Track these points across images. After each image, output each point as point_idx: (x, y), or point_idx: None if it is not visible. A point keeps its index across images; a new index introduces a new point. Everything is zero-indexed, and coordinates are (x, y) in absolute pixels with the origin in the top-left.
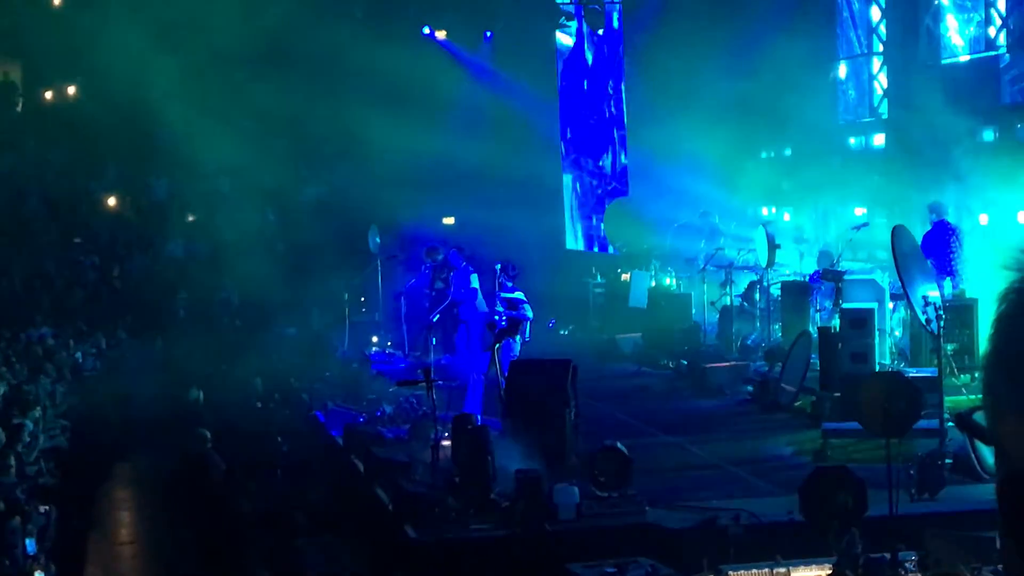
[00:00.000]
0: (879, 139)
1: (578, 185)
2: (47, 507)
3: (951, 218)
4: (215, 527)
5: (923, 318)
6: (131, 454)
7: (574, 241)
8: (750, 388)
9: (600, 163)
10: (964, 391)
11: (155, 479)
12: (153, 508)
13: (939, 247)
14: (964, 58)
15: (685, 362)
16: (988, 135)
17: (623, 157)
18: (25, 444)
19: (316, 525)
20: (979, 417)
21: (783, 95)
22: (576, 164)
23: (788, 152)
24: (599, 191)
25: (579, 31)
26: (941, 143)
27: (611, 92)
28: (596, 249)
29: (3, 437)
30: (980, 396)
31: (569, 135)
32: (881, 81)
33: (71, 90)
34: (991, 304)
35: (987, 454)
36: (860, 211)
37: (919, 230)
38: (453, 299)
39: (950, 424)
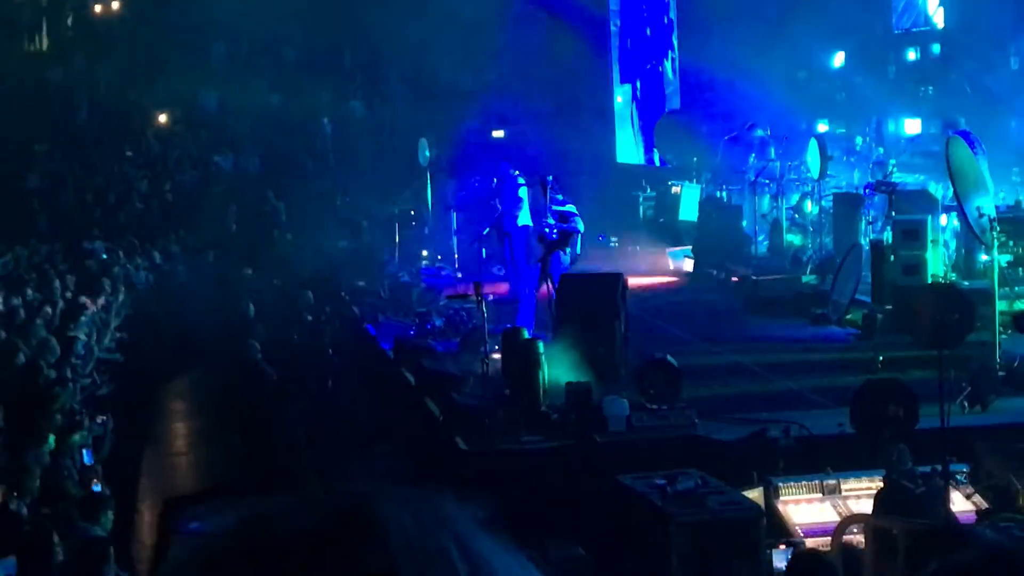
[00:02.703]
0: (934, 49)
1: (638, 96)
2: (104, 417)
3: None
4: (267, 438)
5: (977, 230)
6: (184, 366)
7: (634, 153)
8: (800, 301)
9: (660, 68)
10: (1018, 303)
11: (208, 391)
12: (207, 419)
13: None
14: None
15: (735, 276)
16: None
17: (678, 65)
18: (79, 357)
19: (366, 436)
20: None
21: (837, 4)
22: (636, 74)
23: (841, 63)
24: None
25: None
26: (997, 53)
27: (670, 2)
28: (657, 163)
29: (58, 350)
30: None
31: (629, 45)
32: None
33: (121, 4)
34: None
35: None
36: (913, 122)
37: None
38: (500, 211)
39: (1004, 337)
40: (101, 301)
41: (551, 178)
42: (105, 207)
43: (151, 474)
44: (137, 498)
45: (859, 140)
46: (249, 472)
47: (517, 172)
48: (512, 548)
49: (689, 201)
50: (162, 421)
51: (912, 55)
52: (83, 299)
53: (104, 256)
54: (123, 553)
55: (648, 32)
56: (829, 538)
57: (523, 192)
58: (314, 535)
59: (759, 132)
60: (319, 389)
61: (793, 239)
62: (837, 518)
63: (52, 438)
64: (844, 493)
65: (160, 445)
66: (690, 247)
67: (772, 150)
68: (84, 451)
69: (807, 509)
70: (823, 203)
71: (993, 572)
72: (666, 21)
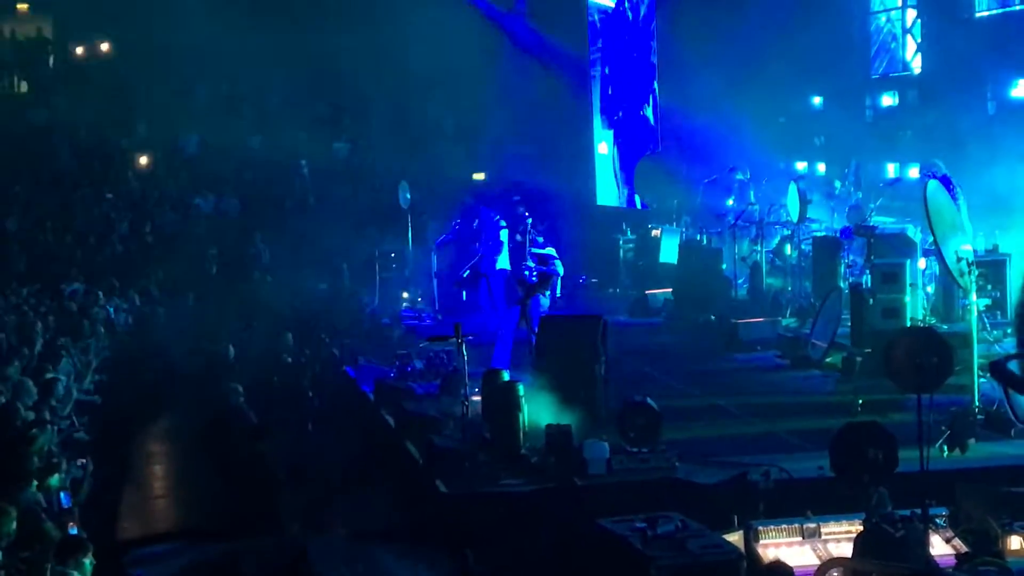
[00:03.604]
0: (911, 94)
1: (620, 141)
2: (83, 460)
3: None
4: (247, 481)
5: (955, 273)
6: (164, 408)
7: (616, 198)
8: (780, 344)
9: (642, 112)
10: (997, 347)
11: (188, 433)
12: (186, 462)
13: None
14: (984, 13)
15: (714, 318)
16: (1021, 89)
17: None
18: (59, 399)
19: (347, 479)
20: (1014, 366)
21: (815, 49)
22: (617, 119)
23: (820, 107)
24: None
25: None
26: (974, 97)
27: (653, 45)
28: (638, 205)
29: (35, 392)
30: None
31: (611, 92)
32: (915, 34)
33: (102, 46)
34: None
35: (1022, 403)
36: (892, 166)
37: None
38: (480, 253)
39: (982, 380)
40: (80, 343)
41: (531, 221)
42: (85, 248)
43: (130, 517)
44: (115, 542)
45: (837, 184)
46: (228, 516)
47: (498, 216)
48: None
49: (669, 244)
50: (141, 464)
51: (889, 100)
52: (62, 341)
53: (84, 298)
54: None
55: (629, 76)
56: None
57: (503, 235)
58: None
59: (739, 175)
60: (299, 431)
61: (773, 282)
62: (817, 561)
63: (35, 483)
64: (824, 536)
65: (139, 488)
66: (670, 290)
67: (752, 193)
68: (62, 494)
69: (787, 552)
70: (803, 246)
71: None
72: (646, 66)
